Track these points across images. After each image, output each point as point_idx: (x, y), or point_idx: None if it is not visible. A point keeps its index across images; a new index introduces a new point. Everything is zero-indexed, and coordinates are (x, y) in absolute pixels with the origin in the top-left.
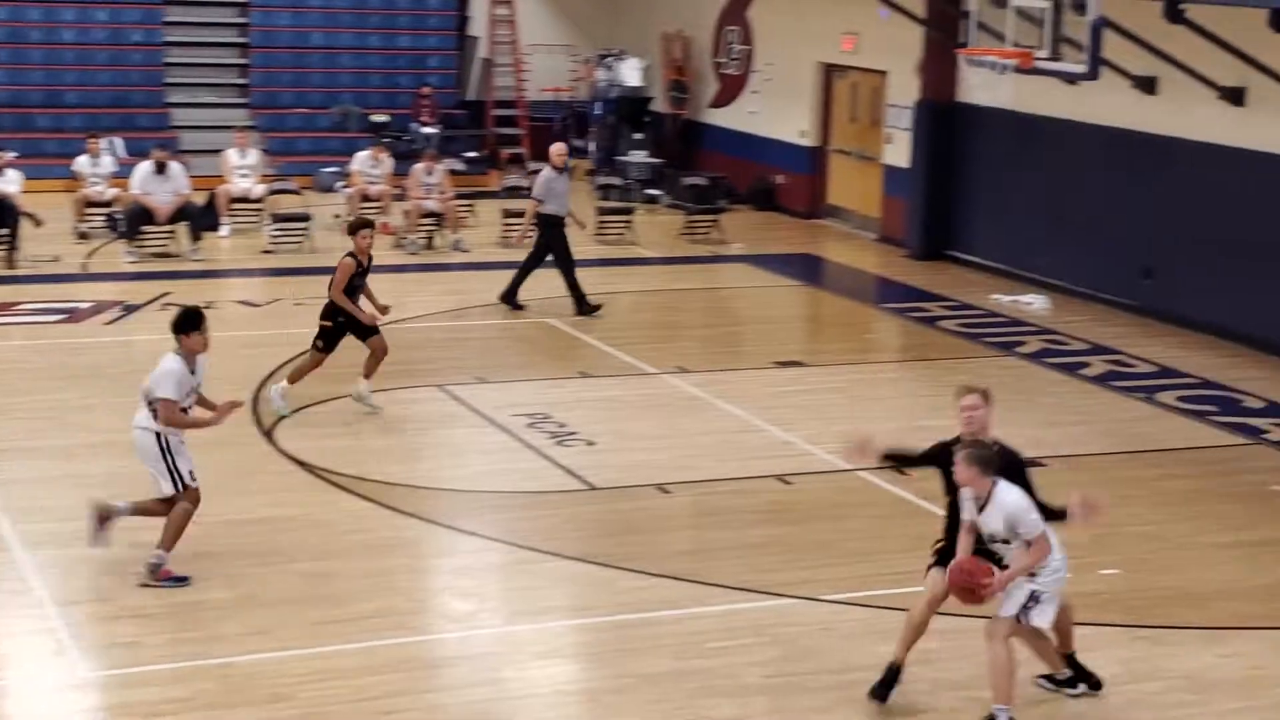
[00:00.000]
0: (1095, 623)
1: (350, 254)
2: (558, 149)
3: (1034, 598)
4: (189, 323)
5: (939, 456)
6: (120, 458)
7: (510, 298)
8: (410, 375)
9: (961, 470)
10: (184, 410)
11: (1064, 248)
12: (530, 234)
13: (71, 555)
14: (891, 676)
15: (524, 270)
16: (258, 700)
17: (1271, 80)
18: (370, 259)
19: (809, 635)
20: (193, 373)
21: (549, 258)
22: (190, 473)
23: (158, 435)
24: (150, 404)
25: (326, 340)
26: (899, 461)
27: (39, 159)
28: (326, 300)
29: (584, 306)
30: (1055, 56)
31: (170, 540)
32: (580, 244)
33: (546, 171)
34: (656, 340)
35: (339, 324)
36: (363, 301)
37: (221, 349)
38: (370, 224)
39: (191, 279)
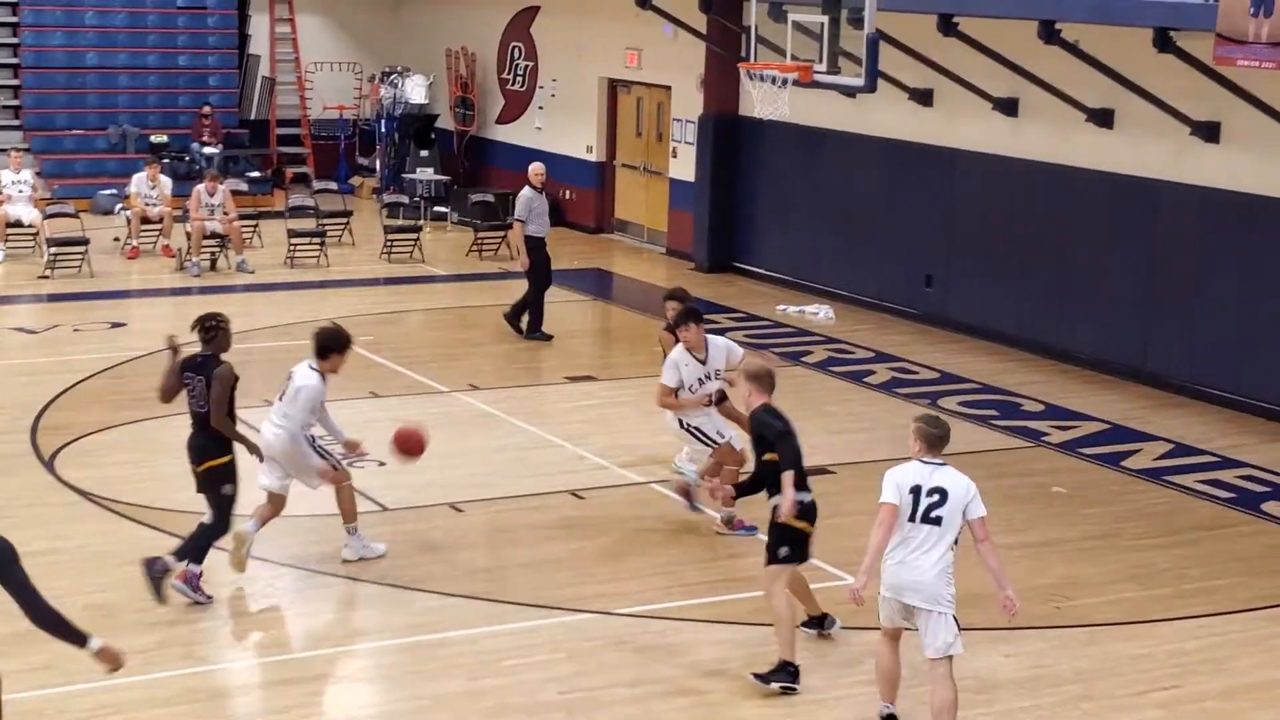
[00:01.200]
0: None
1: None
2: (536, 168)
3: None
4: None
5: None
6: None
7: (536, 329)
8: None
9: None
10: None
11: (847, 258)
12: (519, 255)
13: None
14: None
15: (533, 297)
16: None
17: (1042, 90)
18: None
19: (604, 650)
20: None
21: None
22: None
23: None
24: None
25: None
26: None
27: None
28: None
29: (535, 332)
30: (834, 70)
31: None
32: (368, 263)
33: (526, 191)
34: (447, 358)
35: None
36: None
37: None
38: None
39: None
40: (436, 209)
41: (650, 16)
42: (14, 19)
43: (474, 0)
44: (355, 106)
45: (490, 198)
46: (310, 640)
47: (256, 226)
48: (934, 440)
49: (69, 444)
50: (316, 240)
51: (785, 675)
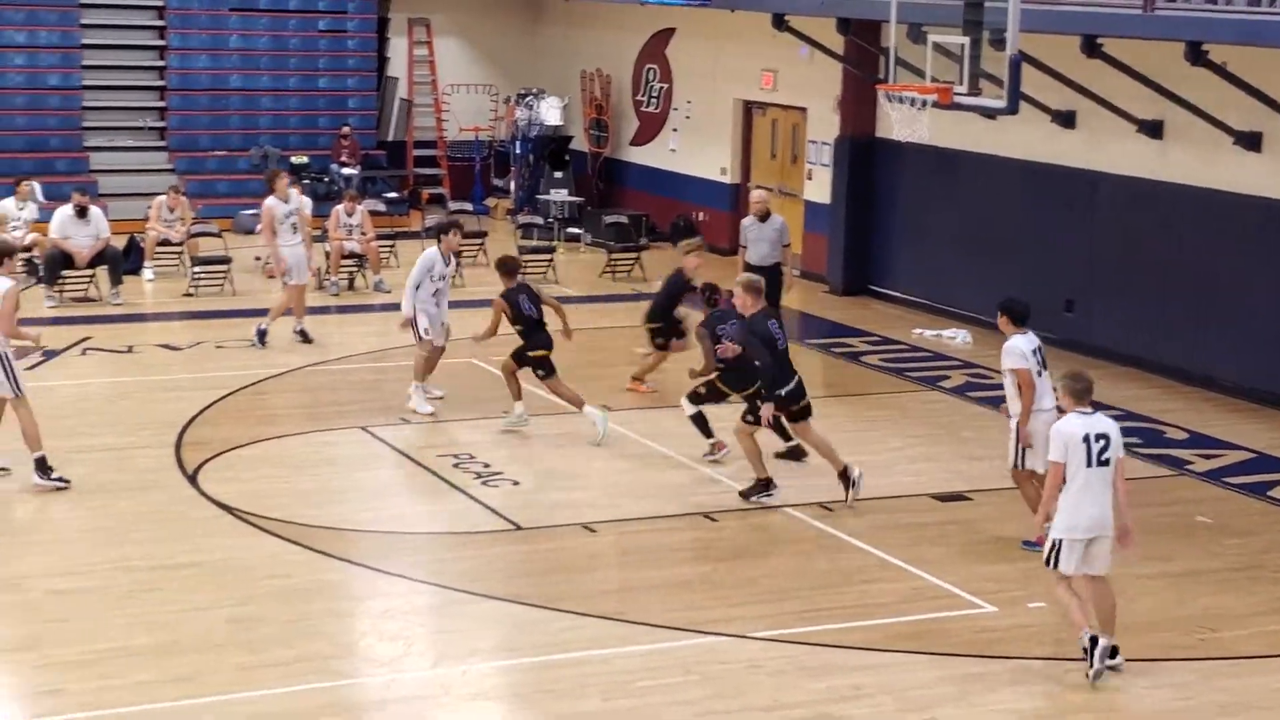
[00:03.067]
0: (1025, 656)
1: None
2: (752, 196)
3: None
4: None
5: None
6: (42, 503)
7: None
8: (333, 417)
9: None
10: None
11: (985, 281)
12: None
13: None
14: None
15: None
16: None
17: (1188, 113)
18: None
19: (736, 673)
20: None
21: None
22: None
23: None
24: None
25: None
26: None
27: None
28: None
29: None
30: (975, 91)
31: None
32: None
33: (745, 219)
34: (580, 379)
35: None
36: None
37: (143, 392)
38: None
39: (113, 323)
40: (570, 230)
41: (786, 38)
42: (160, 42)
43: (610, 22)
44: (491, 128)
45: (624, 219)
46: (444, 657)
47: (393, 247)
48: (1081, 393)
49: (212, 458)
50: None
51: (760, 487)
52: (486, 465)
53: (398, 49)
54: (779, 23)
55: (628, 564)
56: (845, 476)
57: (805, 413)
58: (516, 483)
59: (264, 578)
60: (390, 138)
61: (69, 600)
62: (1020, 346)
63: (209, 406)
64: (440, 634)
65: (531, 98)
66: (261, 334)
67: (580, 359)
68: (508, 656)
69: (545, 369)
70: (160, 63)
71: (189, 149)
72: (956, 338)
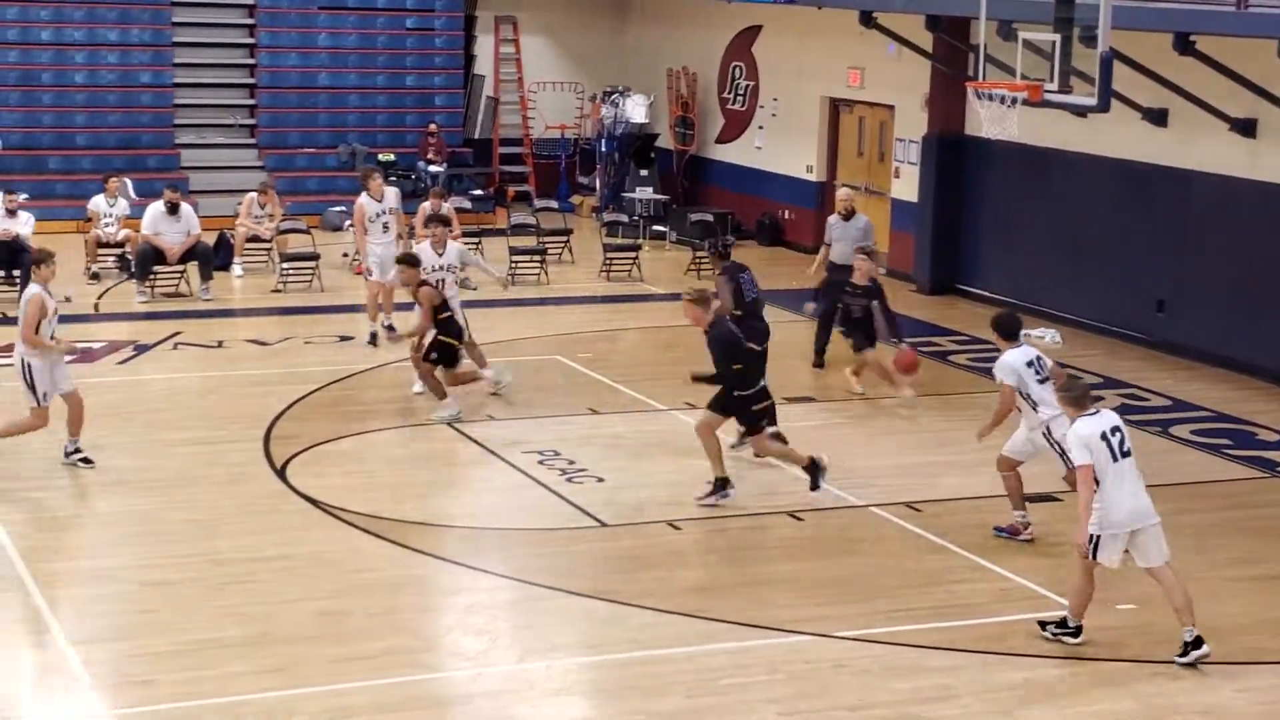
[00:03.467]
0: (1112, 658)
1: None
2: (838, 195)
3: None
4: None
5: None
6: (134, 496)
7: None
8: (420, 413)
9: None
10: None
11: (1075, 281)
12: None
13: (85, 594)
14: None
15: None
16: None
17: None
18: None
19: (822, 672)
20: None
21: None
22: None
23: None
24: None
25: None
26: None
27: (50, 201)
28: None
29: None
30: (1065, 89)
31: None
32: (588, 281)
33: (830, 217)
34: (665, 376)
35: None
36: None
37: (232, 387)
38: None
39: (203, 318)
40: (655, 228)
41: (874, 35)
42: (251, 40)
43: (696, 20)
44: (576, 126)
45: (709, 217)
46: (529, 652)
47: (479, 244)
48: (1080, 399)
49: (299, 453)
50: (537, 258)
51: (718, 486)
52: (572, 462)
53: (484, 47)
54: (867, 20)
55: (712, 562)
56: (812, 467)
57: (764, 416)
58: (601, 479)
59: (352, 571)
60: (476, 135)
61: (161, 592)
62: (1012, 361)
63: (297, 401)
64: (524, 629)
65: (617, 95)
66: (374, 335)
67: (663, 356)
68: (592, 653)
69: (449, 358)
70: (250, 61)
71: (278, 146)
72: (1045, 337)
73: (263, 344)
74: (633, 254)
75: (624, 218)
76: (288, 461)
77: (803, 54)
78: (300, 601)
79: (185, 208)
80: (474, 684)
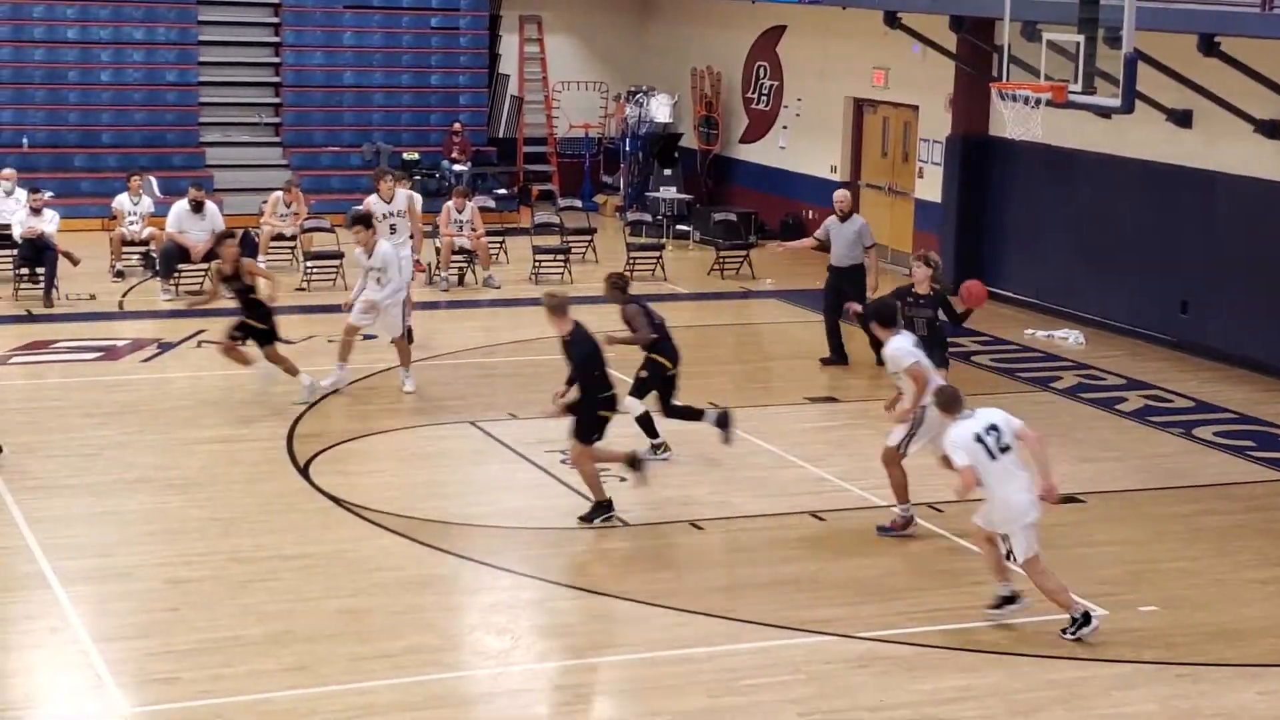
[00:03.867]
0: (1134, 660)
1: None
2: (839, 195)
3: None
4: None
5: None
6: (156, 494)
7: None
8: (442, 411)
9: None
10: None
11: (1099, 282)
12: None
13: (108, 591)
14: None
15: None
16: None
17: None
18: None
19: (843, 673)
20: None
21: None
22: None
23: None
24: None
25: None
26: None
27: (75, 198)
28: None
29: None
30: (1089, 90)
31: None
32: None
33: (829, 218)
34: (688, 376)
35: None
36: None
37: (255, 385)
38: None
39: (227, 316)
40: (679, 227)
41: (898, 36)
42: (276, 39)
43: (720, 20)
44: (600, 125)
45: (733, 217)
46: (552, 652)
47: (503, 243)
48: (950, 404)
49: (322, 451)
50: (561, 257)
51: (600, 510)
52: None
53: (509, 46)
54: (891, 20)
55: (734, 562)
56: (632, 461)
57: (603, 426)
58: (623, 479)
59: (374, 570)
60: (501, 134)
61: (183, 590)
62: (904, 344)
63: (320, 399)
64: (546, 628)
65: (641, 95)
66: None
67: (689, 355)
68: (614, 652)
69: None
70: (275, 60)
71: (303, 145)
72: (1069, 338)
73: (287, 342)
74: (656, 253)
75: (648, 217)
76: (310, 460)
77: (827, 54)
78: (322, 600)
79: (210, 206)
80: (496, 683)
